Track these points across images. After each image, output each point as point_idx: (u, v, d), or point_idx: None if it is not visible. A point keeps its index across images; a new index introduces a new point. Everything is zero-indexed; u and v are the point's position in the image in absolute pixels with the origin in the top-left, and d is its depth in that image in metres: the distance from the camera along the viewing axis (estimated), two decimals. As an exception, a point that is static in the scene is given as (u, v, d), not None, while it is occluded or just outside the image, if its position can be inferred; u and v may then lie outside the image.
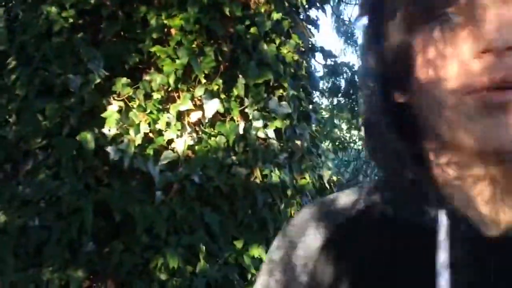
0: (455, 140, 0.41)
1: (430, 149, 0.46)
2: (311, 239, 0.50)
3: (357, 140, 6.49)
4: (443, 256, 0.40)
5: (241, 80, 2.27)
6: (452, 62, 0.40)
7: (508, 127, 0.37)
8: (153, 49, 2.16)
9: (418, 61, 0.42)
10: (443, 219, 0.42)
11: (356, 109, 6.15)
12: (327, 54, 2.86)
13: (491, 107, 0.38)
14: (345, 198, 0.51)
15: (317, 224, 0.51)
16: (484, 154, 0.40)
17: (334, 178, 2.82)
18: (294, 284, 0.49)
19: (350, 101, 5.98)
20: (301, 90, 2.55)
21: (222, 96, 2.24)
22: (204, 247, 2.09)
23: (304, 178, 2.56)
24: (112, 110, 2.07)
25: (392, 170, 0.47)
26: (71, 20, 2.12)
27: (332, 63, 5.37)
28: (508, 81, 0.37)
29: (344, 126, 6.92)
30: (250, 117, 2.31)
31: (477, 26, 0.38)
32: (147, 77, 2.18)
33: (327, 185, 2.65)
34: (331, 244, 0.49)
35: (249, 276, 2.22)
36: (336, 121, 6.64)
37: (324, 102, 6.64)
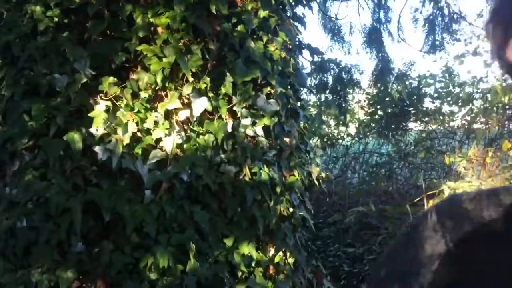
0: None
1: None
2: (435, 242, 0.50)
3: (345, 136, 6.53)
4: None
5: (228, 78, 2.27)
6: None
7: None
8: (139, 48, 2.15)
9: None
10: None
11: (343, 105, 6.19)
12: (314, 51, 2.87)
13: None
14: (481, 201, 0.50)
15: (443, 227, 0.51)
16: None
17: (323, 174, 2.84)
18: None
19: (338, 97, 6.01)
20: (289, 87, 2.56)
21: (210, 94, 2.24)
22: (194, 246, 2.09)
23: (293, 175, 2.58)
24: (100, 109, 2.05)
25: None
26: (56, 19, 2.10)
27: (319, 60, 5.40)
28: None
29: (332, 122, 6.95)
30: (238, 115, 2.31)
31: None
32: (134, 76, 2.17)
33: (316, 181, 2.67)
34: (454, 251, 0.48)
35: (239, 273, 2.24)
36: (324, 117, 6.67)
37: (312, 98, 6.67)
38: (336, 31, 6.33)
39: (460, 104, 5.76)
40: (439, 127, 6.11)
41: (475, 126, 6.05)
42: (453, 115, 5.89)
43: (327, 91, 6.04)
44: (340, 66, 5.68)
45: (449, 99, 5.69)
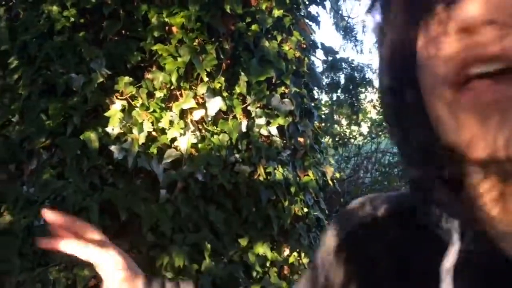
0: (455, 145, 0.36)
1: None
2: (330, 240, 0.51)
3: (357, 135, 6.49)
4: (446, 269, 0.38)
5: (243, 78, 2.27)
6: (437, 50, 0.35)
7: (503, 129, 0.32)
8: (154, 48, 2.16)
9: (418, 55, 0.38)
10: (456, 231, 0.39)
11: (355, 104, 6.15)
12: (327, 51, 2.85)
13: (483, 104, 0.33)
14: (374, 202, 0.50)
15: (337, 225, 0.51)
16: (483, 162, 0.35)
17: (337, 174, 2.82)
18: (316, 283, 0.50)
19: (350, 96, 5.97)
20: (303, 86, 2.55)
21: (225, 94, 2.24)
22: (209, 245, 2.09)
23: (308, 175, 2.56)
24: (115, 109, 2.07)
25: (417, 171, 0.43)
26: (72, 19, 2.11)
27: (332, 59, 5.37)
28: (493, 60, 0.32)
29: (344, 121, 6.92)
30: (253, 114, 2.31)
31: (454, 5, 0.34)
32: (149, 76, 2.18)
33: (330, 181, 2.65)
34: (344, 246, 0.49)
35: (254, 273, 2.23)
36: (336, 116, 6.64)
37: (324, 98, 6.64)
38: (348, 30, 6.30)
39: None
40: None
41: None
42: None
43: (339, 90, 6.01)
44: (353, 65, 5.65)
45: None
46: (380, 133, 6.14)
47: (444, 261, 0.38)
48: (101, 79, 2.05)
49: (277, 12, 2.42)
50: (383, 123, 6.21)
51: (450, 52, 0.34)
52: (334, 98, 6.52)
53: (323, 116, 5.92)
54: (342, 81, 6.24)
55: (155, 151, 2.07)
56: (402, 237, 0.45)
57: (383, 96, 0.45)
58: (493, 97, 0.32)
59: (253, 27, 2.32)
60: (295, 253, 2.42)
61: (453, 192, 0.40)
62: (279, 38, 2.40)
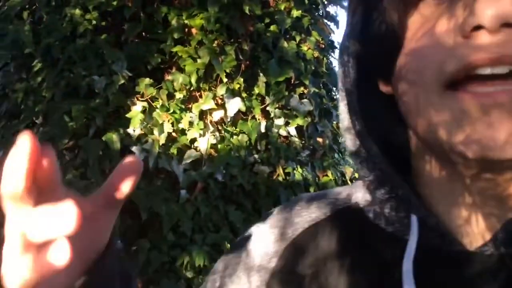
0: (435, 143, 0.36)
1: (413, 147, 0.43)
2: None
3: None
4: (407, 265, 0.37)
5: (262, 78, 2.27)
6: (438, 44, 0.35)
7: (497, 130, 0.32)
8: (174, 49, 2.18)
9: (404, 47, 0.38)
10: (414, 226, 0.39)
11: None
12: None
13: (477, 108, 0.33)
14: (313, 202, 0.48)
15: (276, 226, 0.49)
16: (464, 162, 0.35)
17: (356, 175, 2.81)
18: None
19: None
20: (321, 87, 2.54)
21: (244, 94, 2.25)
22: (229, 245, 2.10)
23: (327, 175, 2.56)
24: (136, 110, 2.09)
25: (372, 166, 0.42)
26: (94, 22, 2.15)
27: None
28: (503, 62, 0.32)
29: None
30: (272, 115, 2.31)
31: (467, 2, 0.33)
32: (169, 77, 2.20)
33: (349, 182, 2.64)
34: (305, 236, 0.46)
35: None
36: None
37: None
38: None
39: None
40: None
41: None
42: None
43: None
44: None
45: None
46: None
47: (405, 255, 0.38)
48: (122, 81, 2.08)
49: (295, 13, 2.42)
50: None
51: (457, 48, 0.33)
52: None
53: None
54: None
55: (175, 151, 2.10)
56: (351, 236, 0.44)
57: (348, 88, 0.44)
58: (501, 100, 0.32)
59: (272, 27, 2.33)
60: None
61: (412, 188, 0.41)
62: (297, 38, 2.40)
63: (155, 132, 2.08)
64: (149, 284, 2.00)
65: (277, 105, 2.32)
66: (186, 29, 2.25)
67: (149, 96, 2.12)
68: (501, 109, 0.32)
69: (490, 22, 0.32)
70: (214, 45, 2.18)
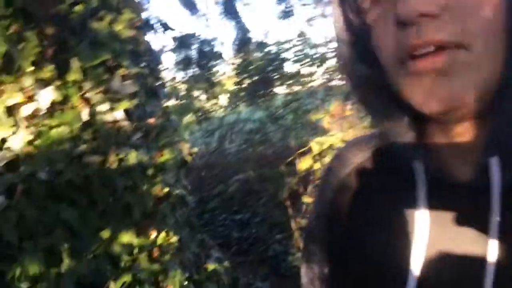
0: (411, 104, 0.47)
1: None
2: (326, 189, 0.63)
3: (217, 108, 6.61)
4: (421, 195, 0.49)
5: (75, 64, 2.12)
6: (386, 35, 0.46)
7: (434, 92, 0.43)
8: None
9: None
10: (419, 166, 0.50)
11: (211, 78, 6.23)
12: (165, 27, 2.81)
13: (413, 75, 0.44)
14: (360, 145, 0.62)
15: (332, 170, 0.64)
16: (427, 115, 0.46)
17: (195, 150, 2.85)
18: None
19: (204, 70, 6.02)
20: (143, 67, 2.48)
21: (57, 83, 2.08)
22: (66, 245, 1.97)
23: (163, 155, 2.54)
24: None
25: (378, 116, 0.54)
26: None
27: (180, 36, 5.33)
28: (428, 44, 0.42)
29: (203, 96, 6.96)
30: (93, 101, 2.18)
31: None
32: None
33: (187, 158, 2.67)
34: (336, 194, 0.61)
35: (122, 263, 2.17)
36: (195, 92, 6.64)
37: (179, 76, 6.58)
38: (192, 6, 6.29)
39: (317, 64, 6.16)
40: (302, 88, 6.48)
41: (333, 83, 6.54)
42: (312, 76, 6.30)
43: (193, 66, 6.01)
44: (200, 40, 5.67)
45: (306, 61, 6.05)
46: (238, 103, 6.34)
47: (417, 190, 0.50)
48: None
49: (103, -10, 2.29)
50: (240, 93, 6.42)
51: (392, 40, 0.46)
52: (190, 74, 6.50)
53: (180, 94, 5.89)
54: (195, 57, 6.25)
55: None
56: (384, 176, 0.57)
57: (351, 69, 0.55)
58: (431, 67, 0.43)
59: (77, 8, 2.17)
60: (163, 234, 2.40)
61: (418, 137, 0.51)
62: (108, 17, 2.28)
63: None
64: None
65: (97, 90, 2.20)
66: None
67: None
68: (428, 75, 0.44)
69: (408, 15, 0.42)
70: (10, 32, 1.95)
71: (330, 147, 4.66)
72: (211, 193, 5.42)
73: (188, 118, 5.71)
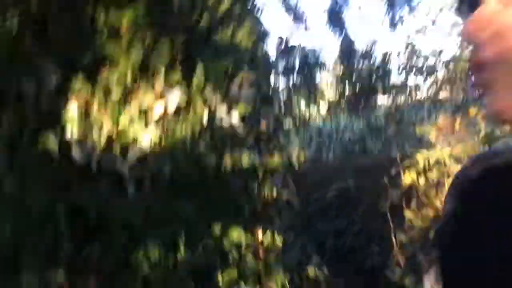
0: None
1: None
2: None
3: (317, 116, 6.63)
4: None
5: (199, 70, 2.28)
6: None
7: None
8: (106, 47, 2.13)
9: None
10: None
11: (312, 87, 6.27)
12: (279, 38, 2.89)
13: None
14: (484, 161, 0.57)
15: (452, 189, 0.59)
16: None
17: (302, 156, 2.90)
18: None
19: (306, 79, 6.08)
20: (259, 74, 2.59)
21: (183, 87, 2.25)
22: (183, 237, 2.12)
23: (274, 159, 2.62)
24: (72, 111, 2.03)
25: None
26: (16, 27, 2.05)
27: (285, 45, 5.46)
28: None
29: (302, 103, 7.02)
30: (213, 105, 2.33)
31: None
32: (104, 75, 2.15)
33: (296, 163, 2.72)
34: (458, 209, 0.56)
35: (231, 259, 2.28)
36: (295, 100, 6.72)
37: (282, 83, 6.72)
38: (297, 15, 6.40)
39: (424, 75, 5.92)
40: (407, 100, 6.27)
41: (441, 95, 6.23)
42: (419, 87, 6.06)
43: (295, 75, 6.10)
44: (305, 49, 5.75)
45: (413, 72, 5.85)
46: (339, 112, 6.29)
47: None
48: (54, 83, 2.01)
49: (226, 3, 2.43)
50: (341, 102, 6.38)
51: None
52: (292, 83, 6.61)
53: (282, 101, 6.00)
54: (298, 65, 6.33)
55: (118, 150, 2.07)
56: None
57: None
58: None
59: (204, 19, 2.33)
60: (268, 235, 2.48)
61: None
62: (231, 28, 2.42)
63: (94, 132, 2.03)
64: (104, 283, 1.98)
65: (217, 95, 2.34)
66: (116, 26, 2.20)
67: (85, 96, 2.07)
68: None
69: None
70: (147, 40, 2.16)
71: (437, 161, 4.46)
72: (309, 199, 5.43)
73: (288, 124, 5.79)
